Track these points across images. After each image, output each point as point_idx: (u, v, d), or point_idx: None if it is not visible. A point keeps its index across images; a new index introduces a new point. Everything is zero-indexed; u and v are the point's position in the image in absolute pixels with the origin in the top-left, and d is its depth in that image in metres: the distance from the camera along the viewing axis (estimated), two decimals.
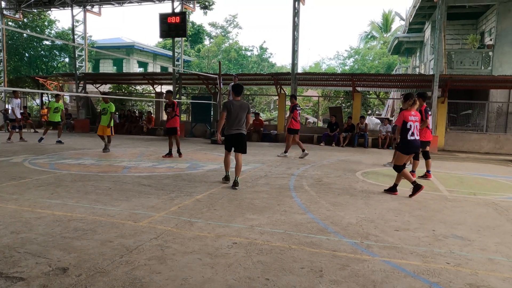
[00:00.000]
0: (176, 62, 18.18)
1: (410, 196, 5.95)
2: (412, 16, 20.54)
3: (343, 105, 21.56)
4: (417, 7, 18.68)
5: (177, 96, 17.31)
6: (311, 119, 23.28)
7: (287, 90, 17.46)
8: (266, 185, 6.58)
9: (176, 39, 18.02)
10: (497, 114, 15.82)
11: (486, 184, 7.66)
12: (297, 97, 17.56)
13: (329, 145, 15.02)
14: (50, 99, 24.92)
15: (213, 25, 47.08)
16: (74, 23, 19.52)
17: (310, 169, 8.56)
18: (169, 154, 9.83)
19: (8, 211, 4.51)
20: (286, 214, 4.72)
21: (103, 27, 77.13)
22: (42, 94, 23.48)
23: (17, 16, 22.23)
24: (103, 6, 19.87)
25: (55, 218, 4.27)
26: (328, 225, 4.32)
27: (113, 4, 19.45)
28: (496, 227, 4.48)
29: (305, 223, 4.37)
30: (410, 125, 6.00)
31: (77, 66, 19.59)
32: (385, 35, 42.13)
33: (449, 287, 2.89)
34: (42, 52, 29.10)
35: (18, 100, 13.93)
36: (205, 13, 22.64)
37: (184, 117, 20.43)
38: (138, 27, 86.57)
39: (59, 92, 13.05)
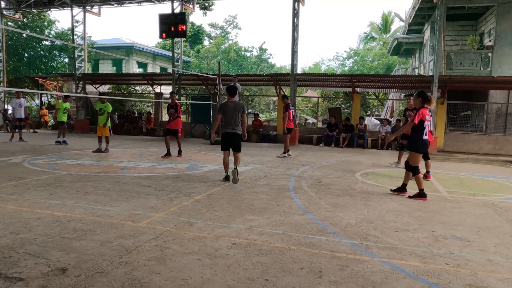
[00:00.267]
0: (175, 63, 18.19)
1: (410, 197, 5.96)
2: (412, 17, 20.57)
3: (343, 106, 21.57)
4: (416, 8, 18.70)
5: (177, 97, 17.29)
6: (311, 119, 23.28)
7: (287, 91, 17.47)
8: (266, 185, 6.58)
9: (176, 39, 18.03)
10: (496, 115, 15.84)
11: (485, 185, 7.66)
12: (297, 97, 17.59)
13: (329, 146, 15.03)
14: (49, 100, 24.95)
15: (212, 25, 47.15)
16: (74, 24, 19.53)
17: (310, 170, 8.56)
18: (168, 155, 9.83)
19: (7, 212, 4.51)
20: (286, 215, 4.72)
21: (102, 27, 77.19)
22: (41, 94, 23.47)
23: (16, 16, 22.23)
24: (103, 6, 19.88)
25: (55, 219, 4.27)
26: (327, 226, 4.32)
27: (113, 5, 19.45)
28: (496, 228, 4.48)
29: (304, 224, 4.37)
30: (426, 125, 5.93)
31: (76, 67, 19.59)
32: (384, 36, 42.18)
33: (448, 287, 2.89)
34: (41, 52, 29.09)
35: (21, 100, 13.85)
36: (205, 14, 22.63)
37: (183, 118, 20.41)
38: (138, 27, 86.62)
39: (67, 94, 12.99)
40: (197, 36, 44.66)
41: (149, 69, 33.84)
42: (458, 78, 14.73)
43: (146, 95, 22.70)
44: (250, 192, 6.02)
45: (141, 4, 19.18)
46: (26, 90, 13.63)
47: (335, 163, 10.03)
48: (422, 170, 7.95)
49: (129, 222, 4.22)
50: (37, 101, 24.77)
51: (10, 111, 17.06)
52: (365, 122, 15.78)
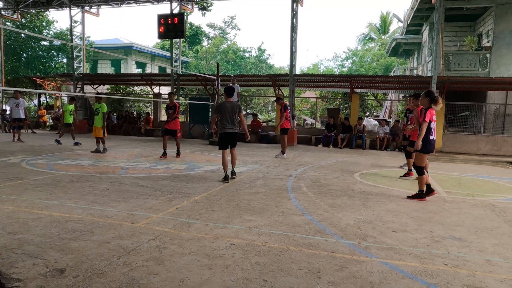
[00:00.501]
0: (174, 63, 18.17)
1: (408, 197, 5.96)
2: (410, 18, 20.61)
3: (341, 106, 21.58)
4: (415, 9, 18.74)
5: (175, 97, 17.28)
6: (309, 120, 23.29)
7: (285, 91, 17.47)
8: (264, 186, 6.58)
9: (174, 40, 18.02)
10: (494, 115, 15.88)
11: (484, 185, 7.68)
12: (295, 98, 17.60)
13: (327, 146, 15.03)
14: (48, 100, 24.91)
15: (211, 26, 47.17)
16: (72, 24, 19.49)
17: (308, 171, 8.56)
18: (164, 155, 9.82)
19: (5, 212, 4.50)
20: (284, 216, 4.72)
21: (101, 27, 77.15)
22: (39, 94, 23.43)
23: (15, 16, 22.17)
24: (101, 6, 19.84)
25: (53, 219, 4.26)
26: (326, 227, 4.32)
27: (111, 5, 19.42)
28: (494, 229, 4.49)
29: (303, 225, 4.37)
30: (433, 125, 5.90)
31: (75, 67, 19.55)
32: (383, 36, 42.26)
33: None
34: (40, 52, 29.04)
35: (19, 100, 13.75)
36: (203, 14, 22.62)
37: (182, 118, 20.42)
38: (136, 28, 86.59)
39: (73, 94, 12.93)
40: (195, 36, 44.67)
41: (148, 70, 33.82)
42: (456, 79, 14.76)
43: (145, 95, 22.68)
44: (248, 192, 6.02)
45: (140, 4, 19.16)
46: (25, 90, 13.59)
47: (333, 163, 10.04)
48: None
49: (127, 223, 4.21)
50: (36, 101, 24.71)
51: (8, 111, 17.02)
52: (364, 122, 15.79)
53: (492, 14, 16.68)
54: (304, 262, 3.28)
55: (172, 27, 16.77)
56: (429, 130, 5.84)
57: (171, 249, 3.47)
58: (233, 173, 7.24)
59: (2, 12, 21.51)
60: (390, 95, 22.17)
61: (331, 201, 5.62)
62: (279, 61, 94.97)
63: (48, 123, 21.72)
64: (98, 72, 31.77)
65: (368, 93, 21.34)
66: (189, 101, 18.51)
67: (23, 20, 25.87)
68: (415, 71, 24.48)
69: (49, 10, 22.16)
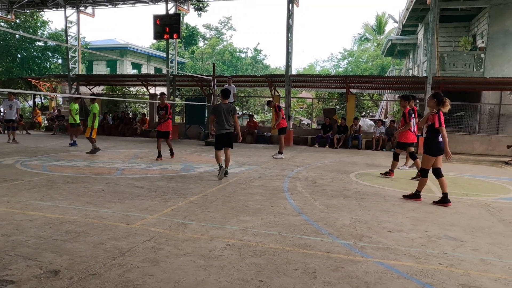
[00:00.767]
0: (170, 64, 18.13)
1: (404, 196, 5.98)
2: (405, 19, 20.69)
3: (337, 107, 21.62)
4: (410, 10, 18.82)
5: (171, 98, 17.27)
6: (305, 120, 23.32)
7: (281, 91, 17.48)
8: (260, 187, 6.58)
9: (170, 40, 17.99)
10: (489, 115, 15.97)
11: (478, 185, 7.72)
12: (291, 98, 17.62)
13: (323, 146, 15.05)
14: (42, 101, 24.78)
15: (207, 26, 47.10)
16: (67, 24, 19.40)
17: (304, 171, 8.57)
18: (160, 157, 9.70)
19: None
20: (280, 216, 4.72)
21: (96, 28, 76.82)
22: (34, 95, 23.29)
23: (9, 16, 22.05)
24: (97, 7, 19.77)
25: (47, 221, 4.23)
26: (321, 227, 4.33)
27: (107, 5, 19.36)
28: (488, 228, 4.51)
29: (299, 225, 4.37)
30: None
31: (70, 68, 19.47)
32: (378, 37, 42.39)
33: (441, 287, 2.90)
34: (34, 53, 28.88)
35: (12, 101, 13.70)
36: (199, 15, 22.71)
37: (178, 119, 20.37)
38: (132, 28, 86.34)
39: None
40: (191, 37, 44.59)
41: (144, 70, 33.73)
42: (451, 79, 14.84)
43: (141, 96, 22.62)
44: (244, 193, 6.01)
45: (135, 5, 19.11)
46: (19, 91, 13.49)
47: (329, 164, 10.05)
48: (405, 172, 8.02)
49: (123, 224, 4.20)
50: (30, 102, 24.58)
51: (1, 113, 16.94)
52: (360, 123, 15.84)
53: (486, 14, 16.79)
54: (300, 262, 3.28)
55: (168, 27, 16.74)
56: (437, 132, 5.67)
57: (167, 250, 3.46)
58: (226, 173, 7.37)
59: None
60: (385, 96, 22.25)
61: (327, 201, 5.62)
62: (275, 61, 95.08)
63: (43, 124, 21.60)
64: (94, 72, 31.65)
65: (364, 94, 21.41)
66: (185, 102, 18.48)
67: (17, 20, 25.73)
68: (410, 72, 24.56)
69: (44, 10, 22.10)
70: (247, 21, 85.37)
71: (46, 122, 21.49)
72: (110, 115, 20.17)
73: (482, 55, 16.75)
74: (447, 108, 5.69)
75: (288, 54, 15.54)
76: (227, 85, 14.21)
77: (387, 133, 15.06)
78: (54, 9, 20.25)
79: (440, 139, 5.69)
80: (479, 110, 15.42)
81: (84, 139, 11.01)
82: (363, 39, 45.08)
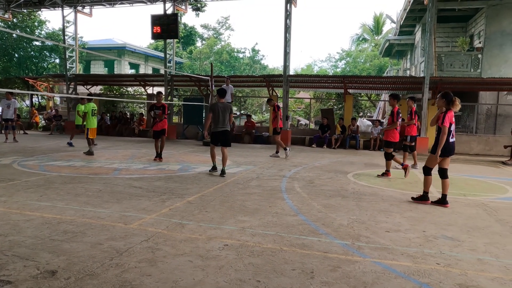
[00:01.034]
0: (168, 64, 18.10)
1: (413, 199, 5.84)
2: (403, 19, 20.74)
3: (335, 107, 21.65)
4: (407, 10, 18.86)
5: (169, 98, 17.24)
6: (303, 121, 23.34)
7: (279, 92, 17.49)
8: (258, 187, 6.58)
9: (168, 40, 17.97)
10: (486, 116, 16.02)
11: (476, 185, 7.74)
12: (289, 98, 17.63)
13: (321, 147, 15.07)
14: (40, 101, 24.70)
15: (205, 27, 47.08)
16: (65, 24, 19.34)
17: (302, 171, 8.58)
18: (160, 155, 9.63)
19: None
20: (278, 216, 4.72)
21: (94, 28, 76.68)
22: (32, 95, 23.21)
23: (6, 16, 21.96)
24: (94, 7, 19.71)
25: (44, 221, 4.22)
26: (319, 227, 4.33)
27: (105, 5, 19.31)
28: (486, 228, 4.53)
29: (296, 225, 4.37)
30: (452, 128, 5.59)
31: (67, 67, 19.41)
32: (376, 37, 42.45)
33: (439, 287, 2.91)
34: (32, 53, 28.78)
35: (10, 101, 13.73)
36: (197, 15, 22.66)
37: (176, 119, 20.35)
38: (130, 28, 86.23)
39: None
40: (189, 37, 44.56)
41: (141, 70, 33.67)
42: (448, 80, 14.88)
43: (138, 96, 22.58)
44: (242, 193, 6.01)
45: (133, 4, 19.06)
46: (17, 91, 13.46)
47: (327, 164, 10.06)
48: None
49: (120, 224, 4.19)
50: (28, 102, 24.50)
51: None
52: (357, 123, 15.86)
53: (483, 15, 16.84)
54: (298, 262, 3.28)
55: (165, 27, 16.71)
56: (448, 133, 5.49)
57: (164, 250, 3.45)
58: (223, 172, 7.52)
59: None
60: (383, 96, 22.27)
61: (325, 201, 5.63)
62: (273, 61, 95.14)
63: (41, 124, 21.54)
64: (91, 72, 31.57)
65: (362, 94, 21.45)
66: (183, 102, 18.46)
67: (14, 20, 25.63)
68: (408, 72, 24.62)
69: (41, 10, 21.96)
70: (245, 21, 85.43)
71: (43, 122, 21.42)
72: (108, 115, 20.13)
73: (479, 56, 16.81)
74: (457, 107, 5.55)
75: (286, 54, 15.55)
76: (225, 85, 14.21)
77: (382, 131, 15.08)
78: (52, 9, 20.18)
79: (451, 139, 5.55)
80: (477, 110, 15.47)
81: (83, 139, 10.94)
82: (361, 39, 45.16)
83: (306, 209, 5.13)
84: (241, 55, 45.36)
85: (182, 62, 38.80)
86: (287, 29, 15.38)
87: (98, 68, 32.80)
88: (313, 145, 15.29)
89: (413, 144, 10.05)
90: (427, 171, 5.76)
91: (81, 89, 21.35)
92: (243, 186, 6.56)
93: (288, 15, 15.34)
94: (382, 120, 18.42)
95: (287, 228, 4.23)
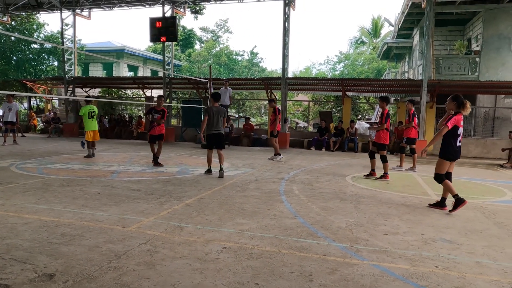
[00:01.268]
0: (166, 66, 18.12)
1: (451, 211, 5.41)
2: (401, 22, 20.81)
3: (333, 109, 21.69)
4: (405, 13, 18.93)
5: (168, 100, 17.24)
6: (302, 123, 23.37)
7: (278, 94, 17.52)
8: (256, 189, 6.57)
9: (167, 43, 17.99)
10: (484, 119, 16.08)
11: (474, 188, 7.75)
12: (288, 101, 17.66)
13: (319, 149, 15.08)
14: (38, 103, 24.66)
15: (203, 29, 47.15)
16: (63, 27, 19.35)
17: (300, 174, 8.58)
18: (156, 162, 9.15)
19: None
20: (276, 219, 4.72)
21: (93, 30, 76.70)
22: (30, 98, 23.19)
23: (4, 19, 21.97)
24: (93, 9, 19.73)
25: (42, 224, 4.21)
26: (318, 230, 4.33)
27: (103, 8, 19.33)
28: (484, 231, 4.53)
29: (295, 228, 4.37)
30: (460, 131, 5.45)
31: (66, 70, 19.41)
32: (374, 40, 42.57)
33: None
34: (30, 55, 28.75)
35: (11, 104, 13.92)
36: (196, 18, 22.65)
37: (174, 122, 20.35)
38: (128, 31, 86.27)
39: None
40: (188, 40, 44.62)
41: (140, 73, 33.67)
42: (446, 83, 14.93)
43: (137, 99, 22.57)
44: (241, 196, 6.01)
45: (132, 7, 19.09)
46: (15, 93, 13.51)
47: (325, 166, 10.07)
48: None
49: (118, 227, 4.18)
50: (26, 104, 24.46)
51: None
52: (356, 126, 15.89)
53: (480, 19, 16.93)
54: (296, 265, 3.28)
55: (164, 30, 16.73)
56: (455, 136, 5.40)
57: (163, 253, 3.45)
58: (221, 169, 7.77)
59: None
60: None
61: (323, 204, 5.63)
62: (271, 64, 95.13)
63: (39, 126, 21.51)
64: (90, 75, 31.57)
65: (360, 97, 21.49)
66: (181, 105, 18.47)
67: (13, 22, 25.63)
68: (406, 75, 24.70)
69: (40, 13, 21.98)
70: (243, 24, 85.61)
71: (41, 124, 21.39)
72: (106, 117, 20.12)
73: (477, 59, 16.87)
74: (467, 110, 5.42)
75: (285, 57, 15.58)
76: (223, 87, 14.23)
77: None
78: (50, 12, 20.20)
79: (458, 143, 5.43)
80: (474, 113, 15.52)
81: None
82: (359, 42, 45.27)
83: (304, 211, 5.13)
84: (239, 58, 45.42)
85: (181, 64, 38.84)
86: (286, 32, 15.43)
87: (96, 71, 32.80)
88: (311, 148, 15.31)
89: (413, 147, 10.10)
90: (439, 178, 5.48)
91: (79, 91, 21.35)
92: (241, 189, 6.55)
93: (286, 18, 15.39)
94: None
95: (286, 231, 4.23)
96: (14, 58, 28.54)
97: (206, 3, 18.86)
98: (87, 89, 21.11)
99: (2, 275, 2.91)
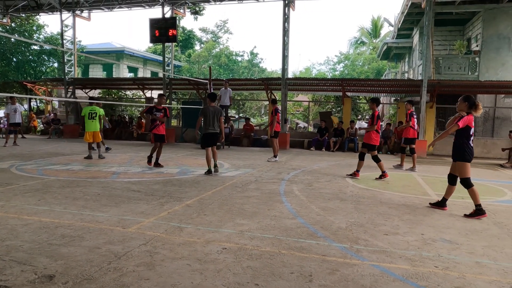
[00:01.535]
0: (166, 67, 18.13)
1: (467, 216, 5.21)
2: (401, 22, 20.82)
3: (333, 110, 21.69)
4: (405, 14, 18.94)
5: (168, 101, 17.24)
6: (302, 124, 23.37)
7: (278, 95, 17.52)
8: (257, 190, 6.57)
9: (167, 44, 18.01)
10: (484, 119, 16.07)
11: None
12: (288, 101, 17.67)
13: (319, 149, 15.08)
14: (38, 105, 24.67)
15: (203, 30, 47.17)
16: (63, 28, 19.37)
17: (301, 174, 8.58)
18: (157, 163, 9.04)
19: None
20: (276, 219, 4.72)
21: (92, 32, 76.78)
22: (30, 99, 23.21)
23: (4, 20, 21.98)
24: (93, 11, 19.76)
25: (42, 225, 4.21)
26: (318, 230, 4.33)
27: (103, 9, 19.35)
28: (484, 231, 4.53)
29: (295, 228, 4.37)
30: (472, 131, 5.34)
31: (66, 71, 19.43)
32: (374, 40, 42.57)
33: None
34: (30, 57, 28.77)
35: (16, 105, 14.20)
36: (196, 19, 22.66)
37: (174, 122, 20.35)
38: (128, 32, 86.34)
39: (98, 101, 12.60)
40: (188, 40, 44.65)
41: (140, 74, 33.70)
42: (446, 83, 14.94)
43: (137, 99, 22.59)
44: (241, 196, 6.01)
45: (131, 8, 19.11)
46: (15, 95, 13.59)
47: (326, 167, 10.07)
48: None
49: (118, 228, 4.18)
50: (26, 106, 24.48)
51: (4, 117, 17.19)
52: (356, 126, 15.89)
53: (480, 19, 16.93)
54: (296, 265, 3.28)
55: (164, 31, 16.75)
56: (468, 136, 5.29)
57: (162, 254, 3.45)
58: (215, 165, 8.22)
59: None
60: (381, 99, 22.33)
61: (323, 204, 5.63)
62: (271, 65, 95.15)
63: (39, 127, 21.52)
64: (90, 76, 31.59)
65: (360, 97, 21.49)
66: (181, 105, 18.47)
67: (13, 24, 25.64)
68: (406, 75, 24.69)
69: (40, 14, 22.00)
70: (243, 25, 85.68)
71: (41, 126, 21.40)
72: (107, 118, 20.11)
73: (477, 59, 16.87)
74: (479, 111, 5.28)
75: (285, 57, 15.59)
76: (223, 88, 14.23)
77: (383, 136, 15.11)
78: (50, 13, 20.22)
79: (471, 144, 5.34)
80: None
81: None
82: (359, 42, 45.27)
83: (304, 212, 5.13)
84: (239, 58, 45.44)
85: (181, 65, 38.87)
86: (285, 32, 15.43)
87: (96, 72, 32.82)
88: (311, 148, 15.31)
89: (413, 147, 10.13)
90: (467, 182, 5.29)
91: (79, 92, 21.36)
92: (241, 189, 6.55)
93: (286, 19, 15.40)
94: (380, 123, 18.47)
95: (286, 231, 4.23)
96: (14, 59, 28.55)
97: (205, 3, 18.86)
98: (87, 90, 21.12)
99: (2, 276, 2.91)
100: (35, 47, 28.56)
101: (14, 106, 14.07)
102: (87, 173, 7.96)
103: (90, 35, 74.33)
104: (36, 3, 19.78)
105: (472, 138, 5.36)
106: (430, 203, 5.80)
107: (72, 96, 19.56)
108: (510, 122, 15.78)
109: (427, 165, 11.16)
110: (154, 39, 17.43)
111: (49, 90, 22.88)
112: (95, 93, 22.12)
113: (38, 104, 24.90)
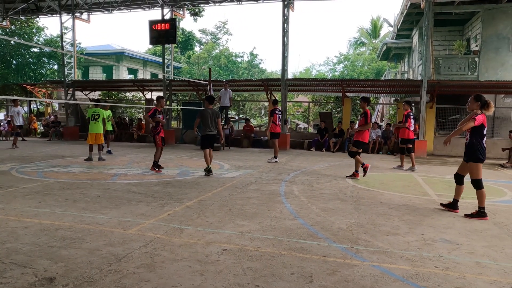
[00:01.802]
0: (166, 69, 18.14)
1: (468, 216, 5.21)
2: (400, 23, 20.82)
3: (333, 110, 21.69)
4: (404, 14, 18.95)
5: (168, 103, 17.25)
6: (302, 124, 23.38)
7: (278, 96, 17.52)
8: (257, 191, 6.58)
9: (166, 45, 18.02)
10: None
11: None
12: (288, 102, 17.67)
13: (320, 150, 15.08)
14: (38, 107, 24.69)
15: (203, 31, 47.23)
16: (63, 30, 19.39)
17: (301, 175, 8.58)
18: (159, 166, 8.87)
19: None
20: (277, 220, 4.72)
21: (92, 34, 76.85)
22: (30, 101, 23.21)
23: (4, 23, 22.00)
24: (92, 13, 19.78)
25: (42, 227, 4.21)
26: (318, 231, 4.33)
27: (102, 11, 19.37)
28: (484, 231, 4.53)
29: (295, 229, 4.37)
30: (485, 131, 5.28)
31: (66, 73, 19.44)
32: (374, 41, 42.60)
33: None
34: (30, 59, 28.81)
35: (18, 108, 14.41)
36: (195, 20, 22.78)
37: (174, 124, 20.36)
38: (128, 33, 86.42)
39: (104, 103, 12.53)
40: (187, 42, 44.67)
41: (140, 75, 33.71)
42: (446, 83, 14.93)
43: (137, 101, 22.60)
44: (241, 197, 6.01)
45: (131, 10, 19.12)
46: (15, 97, 13.68)
47: (326, 167, 10.07)
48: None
49: (118, 230, 4.18)
50: (26, 108, 24.49)
51: (7, 119, 17.42)
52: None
53: (479, 19, 16.94)
54: (296, 266, 3.28)
55: (163, 33, 16.77)
56: (482, 136, 5.24)
57: (163, 256, 3.45)
58: (210, 171, 8.30)
59: None
60: (381, 99, 22.35)
61: (324, 205, 5.63)
62: (271, 65, 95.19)
63: (39, 130, 21.52)
64: (90, 78, 31.60)
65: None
66: (181, 107, 18.48)
67: (12, 27, 25.67)
68: (405, 75, 24.70)
69: (39, 17, 22.05)
70: (243, 26, 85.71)
71: (42, 128, 21.41)
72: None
73: (476, 59, 16.87)
74: (491, 110, 5.26)
75: (284, 58, 15.59)
76: (223, 89, 14.24)
77: (383, 136, 15.13)
78: (50, 15, 20.24)
79: (484, 144, 5.27)
80: None
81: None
82: (358, 43, 45.28)
83: (304, 213, 5.13)
84: (239, 59, 45.48)
85: (181, 67, 38.90)
86: (285, 33, 15.44)
87: (96, 74, 32.84)
88: (311, 149, 15.31)
89: (411, 146, 10.14)
90: (478, 183, 5.21)
91: (79, 95, 21.37)
92: (241, 190, 6.56)
93: (285, 20, 15.41)
94: (380, 123, 18.48)
95: (286, 232, 4.23)
96: (14, 62, 28.59)
97: (205, 5, 18.88)
98: (87, 92, 21.13)
99: (2, 279, 2.91)
100: (35, 50, 28.60)
101: (17, 109, 14.29)
102: (87, 175, 7.97)
103: (90, 37, 74.47)
104: (36, 6, 19.80)
105: (485, 138, 5.31)
106: (441, 204, 5.74)
107: (72, 98, 19.56)
108: (510, 122, 15.78)
109: (427, 165, 11.16)
110: (153, 41, 17.45)
111: (49, 92, 22.89)
112: (95, 95, 22.12)
113: (38, 107, 24.91)
